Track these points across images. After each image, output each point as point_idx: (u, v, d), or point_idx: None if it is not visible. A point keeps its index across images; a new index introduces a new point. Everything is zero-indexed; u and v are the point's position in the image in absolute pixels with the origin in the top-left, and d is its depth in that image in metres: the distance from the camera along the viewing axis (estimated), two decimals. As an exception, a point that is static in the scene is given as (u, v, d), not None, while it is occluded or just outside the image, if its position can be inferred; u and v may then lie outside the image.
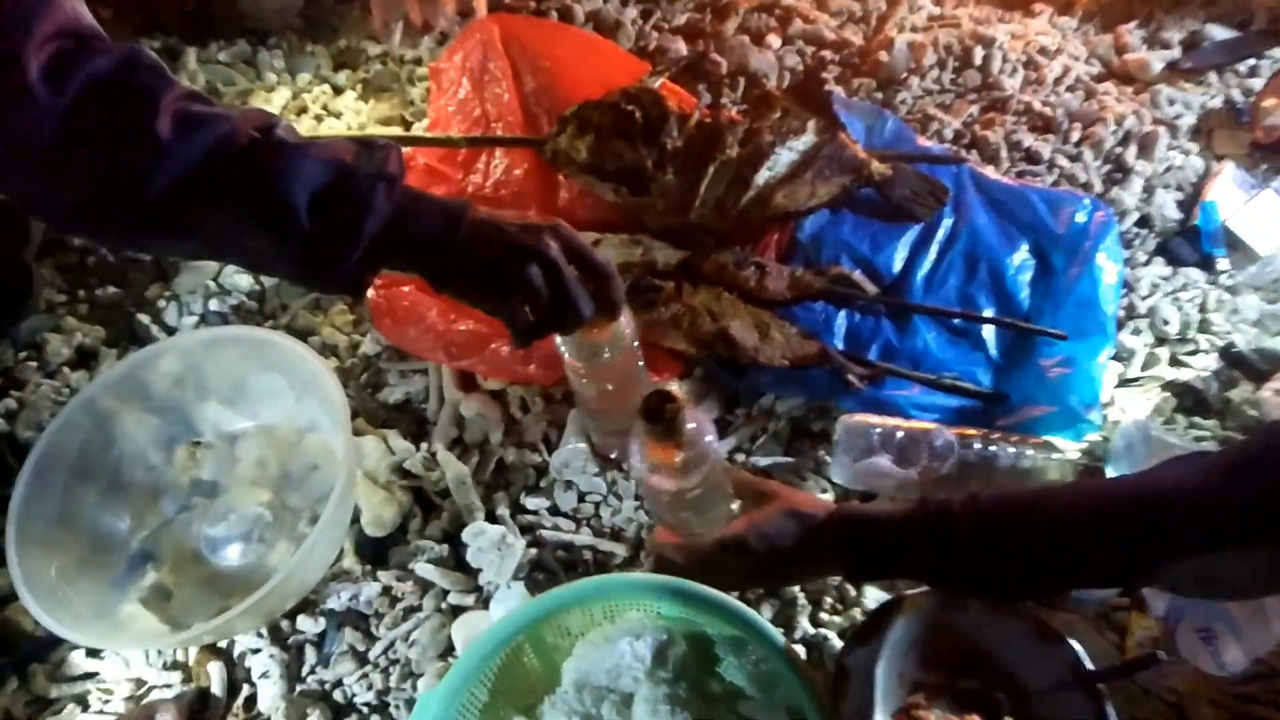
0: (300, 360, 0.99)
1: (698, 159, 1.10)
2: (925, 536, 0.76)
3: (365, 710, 0.93)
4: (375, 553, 1.00)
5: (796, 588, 0.93)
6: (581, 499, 1.02)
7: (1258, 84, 1.28)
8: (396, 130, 1.32)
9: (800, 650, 0.89)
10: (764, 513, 0.82)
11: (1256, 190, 1.15)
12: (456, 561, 1.00)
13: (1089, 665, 0.81)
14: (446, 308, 1.08)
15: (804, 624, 0.91)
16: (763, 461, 1.01)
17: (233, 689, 0.94)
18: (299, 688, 0.94)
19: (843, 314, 1.07)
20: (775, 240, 1.14)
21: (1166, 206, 1.16)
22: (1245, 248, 1.12)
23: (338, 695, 0.93)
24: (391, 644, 0.95)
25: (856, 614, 0.91)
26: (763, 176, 1.10)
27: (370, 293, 1.12)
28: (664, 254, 1.11)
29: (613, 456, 1.03)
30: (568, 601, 0.84)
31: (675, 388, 0.85)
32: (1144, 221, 1.16)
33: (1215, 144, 1.23)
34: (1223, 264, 1.11)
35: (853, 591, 0.93)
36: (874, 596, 0.92)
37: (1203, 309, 1.08)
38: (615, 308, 0.82)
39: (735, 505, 0.98)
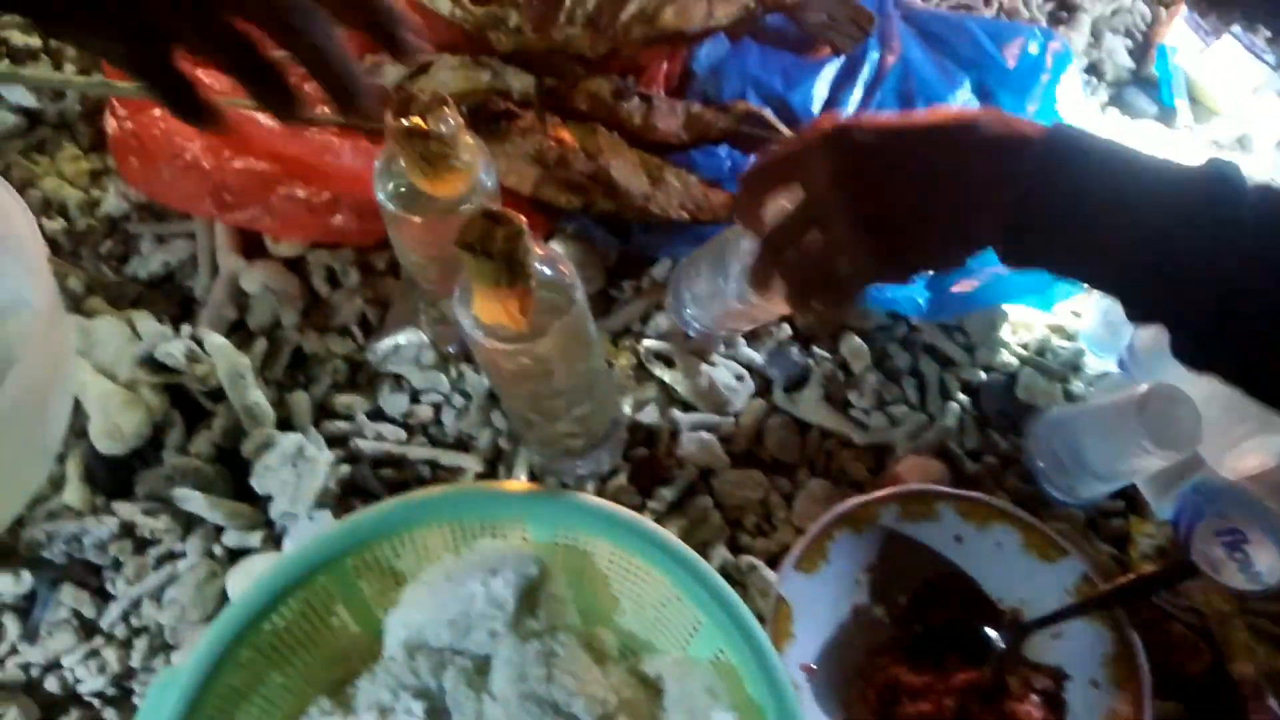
0: None
1: (562, -40, 0.84)
2: (1208, 219, 0.44)
3: (96, 703, 0.63)
4: (112, 478, 0.70)
5: (710, 503, 0.70)
6: (415, 399, 0.75)
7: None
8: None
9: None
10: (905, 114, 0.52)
11: (1212, 38, 0.99)
12: (236, 487, 0.71)
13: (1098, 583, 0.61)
14: (215, 138, 0.78)
15: (721, 550, 0.68)
16: (656, 345, 0.76)
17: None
18: (-13, 675, 0.63)
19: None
20: (664, 73, 0.89)
21: (1117, 53, 0.98)
22: (1207, 97, 0.95)
23: (51, 683, 0.64)
24: (135, 605, 0.66)
25: (788, 537, 0.69)
26: (647, -13, 0.85)
27: (111, 125, 0.81)
28: (520, 80, 0.84)
29: (452, 351, 0.77)
30: (389, 526, 0.57)
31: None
32: (1094, 69, 0.98)
33: (1160, -11, 1.06)
34: (1184, 118, 0.94)
35: (782, 505, 0.70)
36: (808, 510, 0.69)
37: (1169, 164, 0.90)
38: (400, 45, 0.49)
39: (626, 403, 0.74)
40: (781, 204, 0.55)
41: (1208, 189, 0.44)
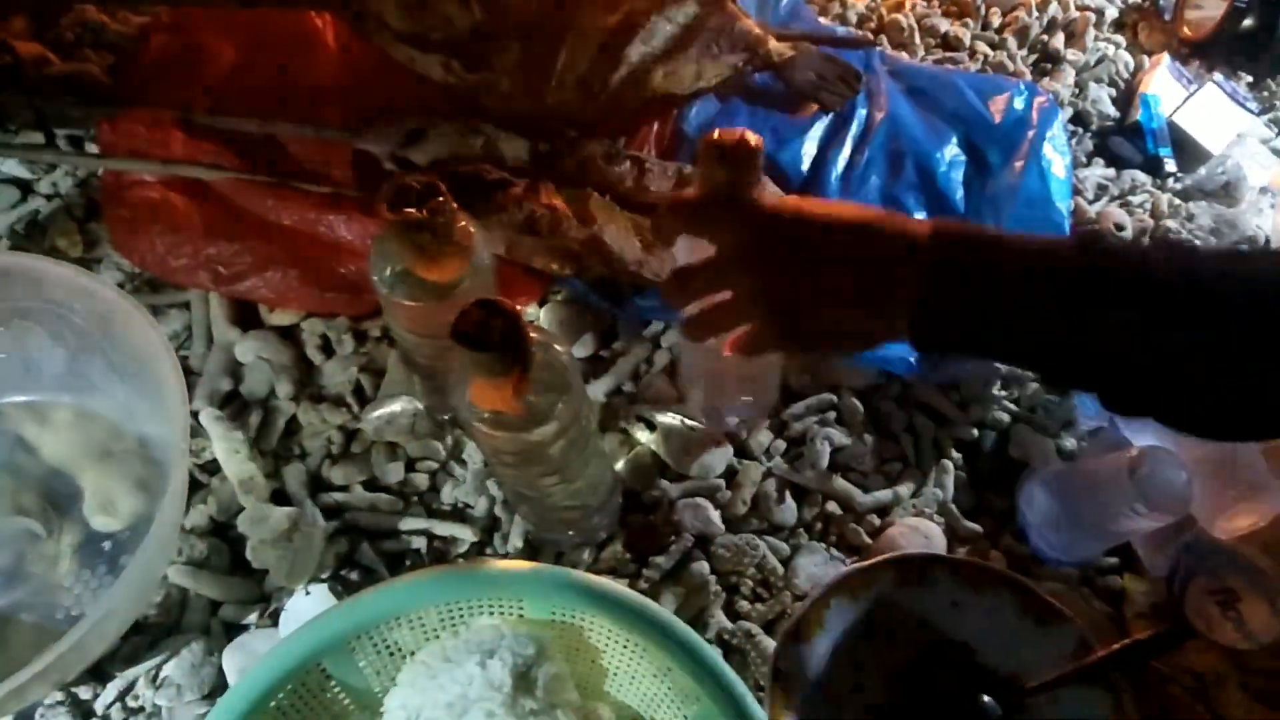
0: (85, 296, 0.69)
1: (552, 26, 0.85)
2: (1083, 280, 0.46)
3: (90, 786, 0.63)
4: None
5: (706, 569, 0.70)
6: (410, 468, 0.75)
7: (1177, -23, 1.13)
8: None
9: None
10: (812, 200, 0.54)
11: (1195, 86, 1.00)
12: (231, 561, 0.71)
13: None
14: (210, 211, 0.79)
15: (718, 617, 0.68)
16: (643, 409, 0.76)
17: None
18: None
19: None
20: (654, 134, 0.90)
21: (1101, 102, 1.00)
22: (1193, 146, 0.96)
23: (46, 767, 0.63)
24: (130, 687, 0.66)
25: (787, 599, 0.69)
26: (637, 52, 0.86)
27: (104, 198, 0.81)
28: (511, 146, 0.84)
29: (447, 418, 0.77)
30: (387, 609, 0.58)
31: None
32: (1078, 119, 0.99)
33: (1141, 38, 1.08)
34: (1169, 165, 0.95)
35: (779, 569, 0.70)
36: (807, 575, 0.69)
37: (1154, 214, 0.91)
38: None
39: (621, 463, 0.74)
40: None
41: (1078, 252, 0.46)
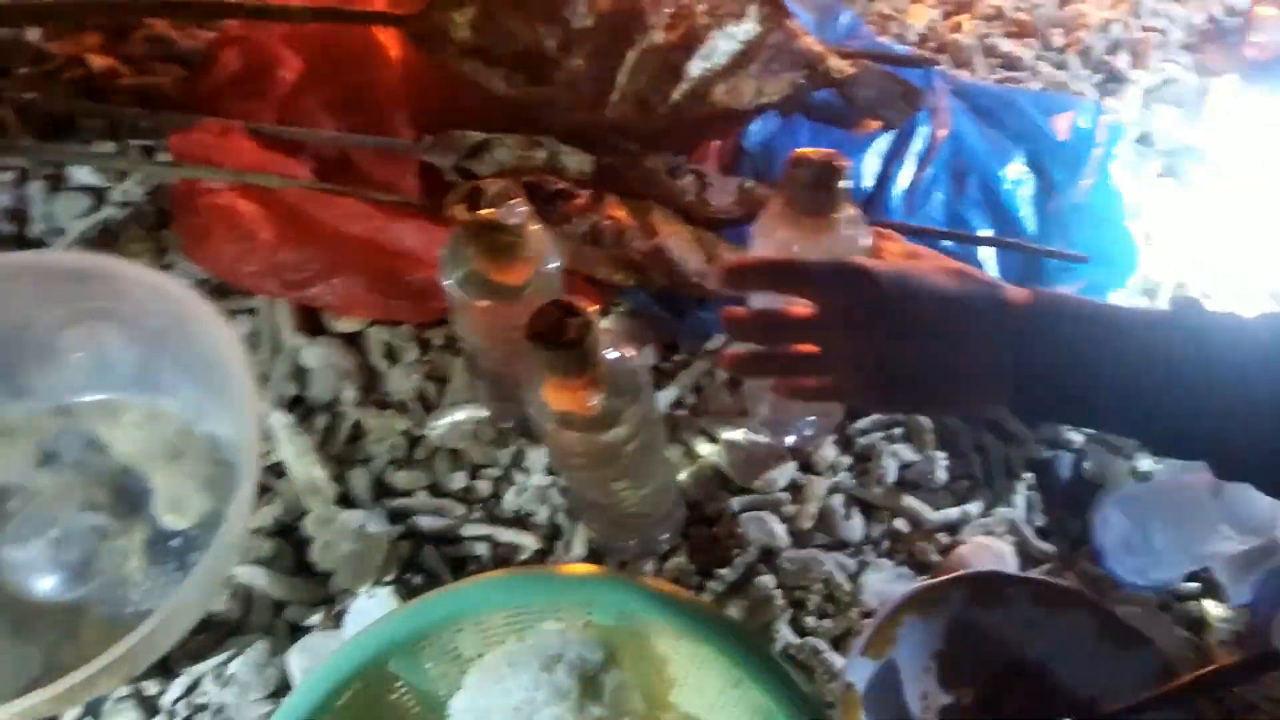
0: (159, 295, 0.70)
1: (613, 41, 0.85)
2: (1181, 355, 0.47)
3: (155, 783, 0.63)
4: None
5: (772, 583, 0.69)
6: (474, 475, 0.75)
7: (1242, 1, 1.12)
8: None
9: (781, 668, 0.64)
10: (911, 263, 0.56)
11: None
12: (296, 563, 0.71)
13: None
14: (278, 219, 0.80)
15: (785, 632, 0.67)
16: (704, 421, 0.76)
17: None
18: (46, 758, 0.63)
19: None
20: (716, 149, 0.90)
21: (1168, 123, 0.98)
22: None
23: (112, 764, 0.63)
24: (196, 684, 0.66)
25: (854, 615, 0.67)
26: (697, 67, 0.86)
27: (175, 205, 0.83)
28: (575, 160, 0.85)
29: (511, 426, 0.77)
30: (453, 612, 0.57)
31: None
32: (1145, 140, 0.98)
33: (1207, 61, 1.07)
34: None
35: (846, 585, 0.69)
36: (874, 591, 0.68)
37: (1228, 235, 0.90)
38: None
39: (684, 475, 0.73)
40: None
41: (1175, 322, 0.48)
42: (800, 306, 0.54)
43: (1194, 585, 0.69)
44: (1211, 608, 0.67)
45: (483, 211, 0.57)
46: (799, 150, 0.58)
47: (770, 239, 0.62)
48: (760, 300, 0.62)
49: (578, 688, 0.56)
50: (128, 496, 0.72)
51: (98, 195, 0.91)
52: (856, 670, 0.60)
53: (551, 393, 0.54)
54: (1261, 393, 0.46)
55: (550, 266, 0.63)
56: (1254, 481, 0.50)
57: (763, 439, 0.75)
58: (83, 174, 0.91)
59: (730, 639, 0.54)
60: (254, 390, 0.64)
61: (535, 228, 0.61)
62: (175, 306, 0.70)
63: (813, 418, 0.75)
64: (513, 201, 0.58)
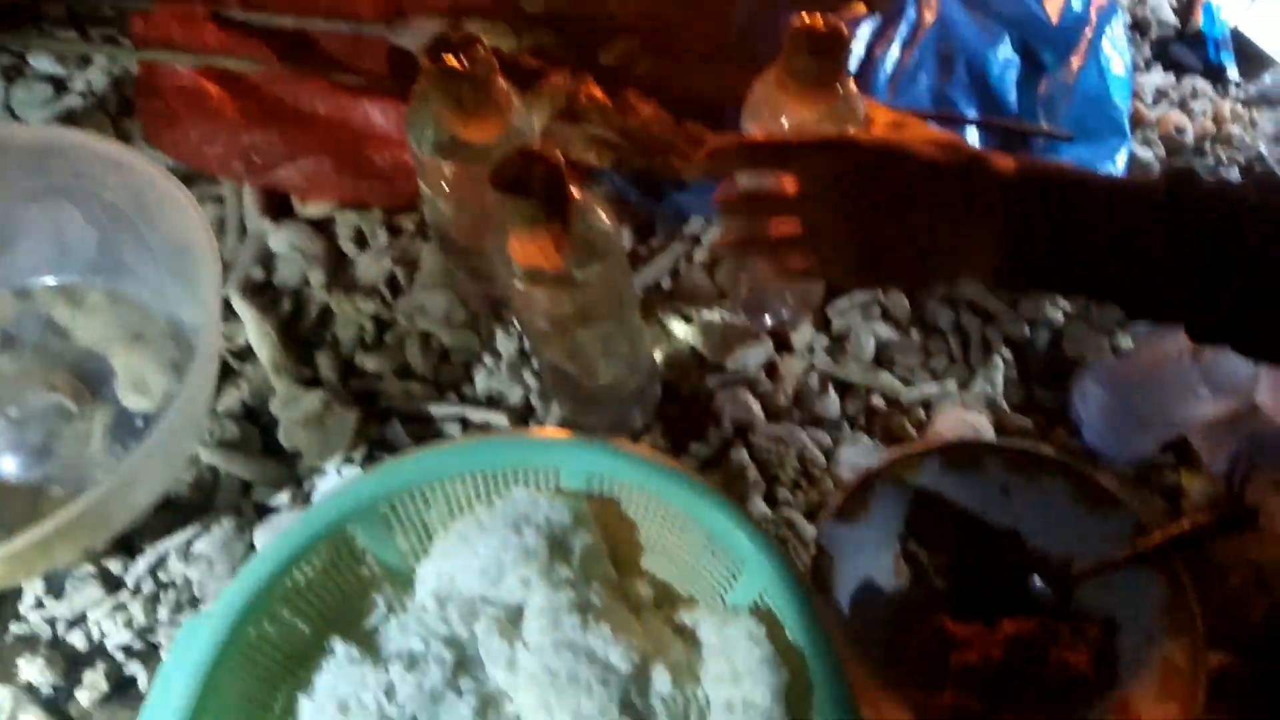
0: (119, 169, 0.67)
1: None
2: (1174, 224, 0.47)
3: (121, 657, 0.62)
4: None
5: (746, 458, 0.68)
6: (444, 358, 0.74)
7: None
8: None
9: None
10: (897, 135, 0.57)
11: (1259, -6, 0.96)
12: (265, 446, 0.70)
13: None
14: (243, 100, 0.78)
15: (758, 505, 0.66)
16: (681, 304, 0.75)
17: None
18: (12, 629, 0.63)
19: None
20: (695, 29, 0.87)
21: (1161, 9, 0.96)
22: (1256, 54, 0.92)
23: (75, 637, 0.63)
24: (161, 561, 0.65)
25: (829, 487, 0.67)
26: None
27: (137, 90, 0.81)
28: (551, 39, 0.83)
29: (482, 309, 0.75)
30: (420, 474, 0.56)
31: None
32: (1138, 26, 0.95)
33: (1202, -52, 1.04)
34: (1232, 73, 0.92)
35: (821, 460, 0.68)
36: (849, 465, 0.67)
37: (1217, 120, 0.87)
38: None
39: (659, 355, 0.72)
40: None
41: (1168, 188, 0.48)
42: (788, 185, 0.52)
43: (1170, 457, 0.68)
44: (1189, 478, 0.66)
45: (448, 57, 0.55)
46: (801, 16, 0.55)
47: (761, 115, 0.60)
48: (745, 183, 0.60)
49: (546, 549, 0.55)
50: (89, 379, 0.70)
51: (59, 84, 0.88)
52: (828, 534, 0.60)
53: (518, 245, 0.53)
54: (1247, 251, 0.46)
55: (522, 133, 0.61)
56: (1234, 344, 0.49)
57: (738, 320, 0.73)
58: (44, 63, 0.89)
59: (700, 498, 0.53)
60: (216, 256, 0.62)
61: (504, 84, 0.59)
62: (137, 182, 0.68)
63: (791, 300, 0.73)
64: (479, 50, 0.56)
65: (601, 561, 0.58)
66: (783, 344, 0.73)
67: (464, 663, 0.54)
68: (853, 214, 0.51)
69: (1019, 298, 0.74)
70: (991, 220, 0.49)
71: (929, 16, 0.88)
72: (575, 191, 0.53)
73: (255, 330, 0.72)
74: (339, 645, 0.54)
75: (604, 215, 0.56)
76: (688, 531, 0.56)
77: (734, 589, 0.55)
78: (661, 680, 0.53)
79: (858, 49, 0.87)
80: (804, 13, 0.55)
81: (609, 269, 0.55)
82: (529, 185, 0.50)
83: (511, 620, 0.55)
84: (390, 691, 0.52)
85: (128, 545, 0.66)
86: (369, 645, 0.56)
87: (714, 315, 0.74)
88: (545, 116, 0.76)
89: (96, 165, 0.68)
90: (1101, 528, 0.60)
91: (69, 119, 0.86)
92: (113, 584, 0.64)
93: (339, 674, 0.53)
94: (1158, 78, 0.91)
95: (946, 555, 0.61)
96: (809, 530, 0.64)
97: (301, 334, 0.74)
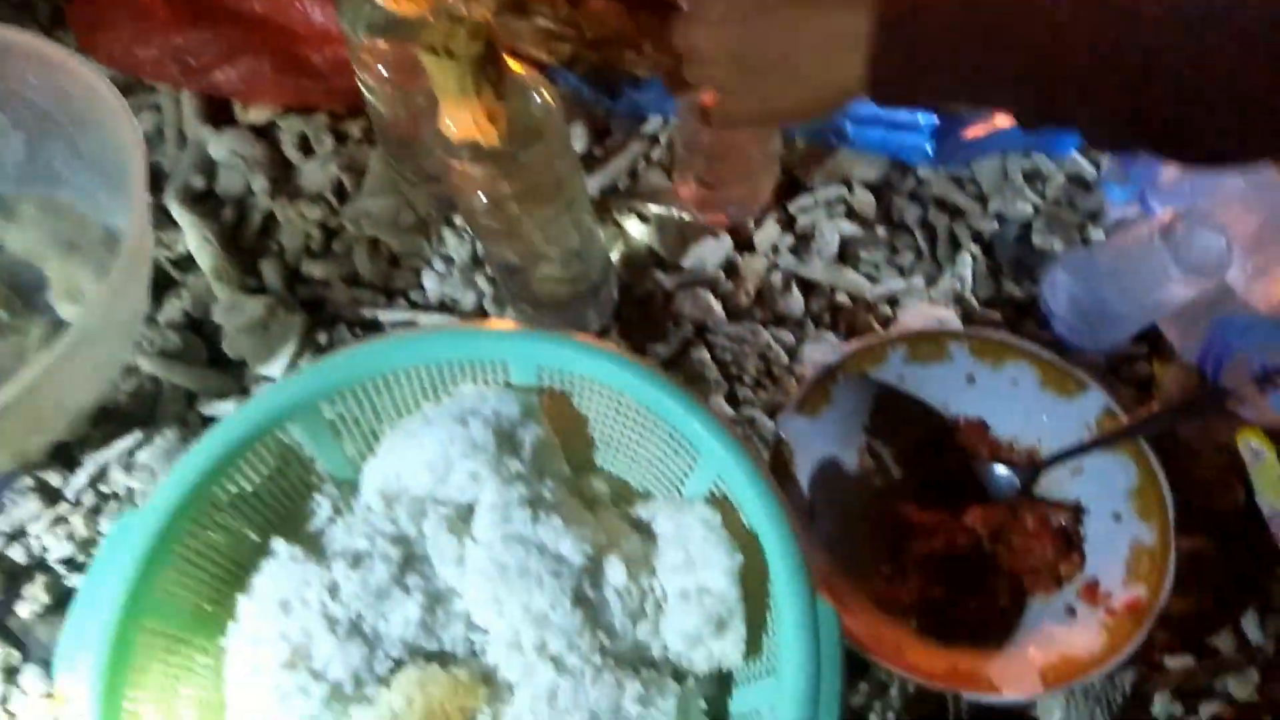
0: (43, 67, 0.63)
1: None
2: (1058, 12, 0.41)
3: (62, 570, 0.60)
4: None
5: (707, 357, 0.66)
6: (394, 263, 0.71)
7: None
8: None
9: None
10: None
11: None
12: (210, 357, 0.68)
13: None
14: (180, 2, 0.74)
15: (720, 404, 0.64)
16: (635, 203, 0.72)
17: None
18: (-53, 544, 0.61)
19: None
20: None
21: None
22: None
23: (16, 552, 0.61)
24: (102, 472, 0.63)
25: (791, 384, 0.65)
26: None
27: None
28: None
29: (432, 213, 0.73)
30: (364, 367, 0.54)
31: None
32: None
33: None
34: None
35: (784, 358, 0.66)
36: (812, 362, 0.65)
37: None
38: None
39: (615, 255, 0.70)
40: None
41: None
42: None
43: (1143, 347, 0.66)
44: (1161, 367, 0.65)
45: None
46: None
47: None
48: None
49: (494, 442, 0.53)
50: (23, 290, 0.67)
51: (-15, -6, 0.84)
52: (788, 427, 0.58)
53: (451, 114, 0.50)
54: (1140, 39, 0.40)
55: (458, 9, 0.58)
56: (1136, 141, 0.43)
57: (694, 217, 0.71)
58: (-32, -27, 0.84)
59: (653, 386, 0.51)
60: (143, 159, 0.59)
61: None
62: (63, 82, 0.64)
63: (737, 190, 0.70)
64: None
65: (554, 457, 0.56)
66: (744, 243, 0.71)
67: (411, 560, 0.52)
68: (720, 33, 0.48)
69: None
70: (855, 18, 0.44)
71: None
72: (511, 63, 0.50)
73: (195, 237, 0.69)
74: (280, 545, 0.52)
75: (546, 94, 0.53)
76: (641, 423, 0.54)
77: (690, 479, 0.54)
78: (615, 572, 0.51)
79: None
80: None
81: (549, 150, 0.53)
82: (456, 47, 0.47)
83: (462, 518, 0.53)
84: (334, 590, 0.50)
85: (67, 458, 0.63)
86: (313, 547, 0.54)
87: (670, 213, 0.71)
88: (491, 9, 0.73)
89: (17, 61, 0.64)
90: (1071, 412, 0.58)
91: (-4, 28, 0.82)
92: (52, 496, 0.62)
93: (280, 573, 0.51)
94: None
95: (910, 445, 0.60)
96: (771, 428, 0.62)
97: (246, 243, 0.71)
